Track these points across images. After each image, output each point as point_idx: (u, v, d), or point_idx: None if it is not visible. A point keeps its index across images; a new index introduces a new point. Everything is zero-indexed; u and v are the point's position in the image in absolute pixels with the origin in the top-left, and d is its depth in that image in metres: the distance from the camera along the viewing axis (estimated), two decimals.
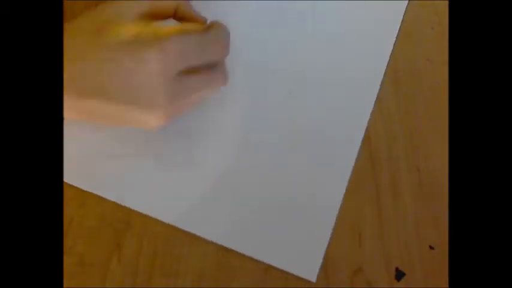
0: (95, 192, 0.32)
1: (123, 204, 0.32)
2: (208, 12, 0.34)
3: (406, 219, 0.33)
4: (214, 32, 0.31)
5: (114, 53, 0.27)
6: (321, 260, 0.31)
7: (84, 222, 0.32)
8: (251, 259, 0.31)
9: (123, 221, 0.32)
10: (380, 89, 0.38)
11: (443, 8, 0.43)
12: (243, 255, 0.31)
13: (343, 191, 0.33)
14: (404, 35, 0.41)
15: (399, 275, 0.31)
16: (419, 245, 0.32)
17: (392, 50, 0.40)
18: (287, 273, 0.31)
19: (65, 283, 0.29)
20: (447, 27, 0.41)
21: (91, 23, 0.29)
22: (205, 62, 0.30)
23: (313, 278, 0.31)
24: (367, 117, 0.37)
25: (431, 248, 0.32)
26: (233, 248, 0.31)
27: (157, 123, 0.30)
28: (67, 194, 0.32)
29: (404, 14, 0.42)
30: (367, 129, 0.36)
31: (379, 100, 0.38)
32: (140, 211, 0.32)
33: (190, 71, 0.30)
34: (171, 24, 0.32)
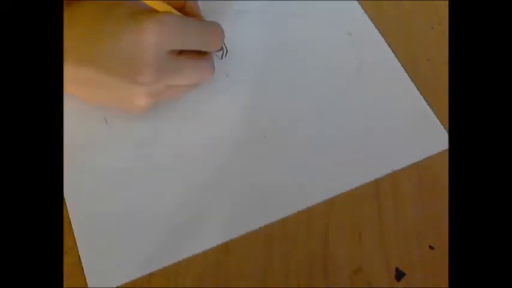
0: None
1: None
2: None
3: (406, 219, 0.33)
4: (210, 23, 0.33)
5: (117, 25, 0.29)
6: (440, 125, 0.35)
7: None
8: (251, 259, 0.31)
9: None
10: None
11: (443, 8, 0.43)
12: (243, 255, 0.31)
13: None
14: (405, 35, 0.41)
15: (399, 275, 0.31)
16: (419, 245, 0.32)
17: (392, 50, 0.40)
18: (287, 272, 0.31)
19: (65, 283, 0.29)
20: (447, 27, 0.41)
21: (98, 4, 0.31)
22: (197, 49, 0.32)
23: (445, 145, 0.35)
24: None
25: (431, 248, 0.32)
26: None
27: (142, 100, 0.31)
28: None
29: (405, 14, 0.42)
30: None
31: None
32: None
33: (182, 54, 0.32)
34: None
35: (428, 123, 0.36)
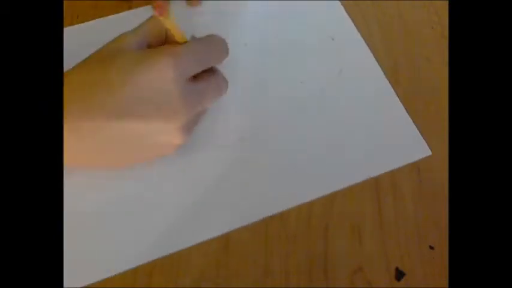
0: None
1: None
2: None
3: (406, 219, 0.33)
4: (213, 38, 0.32)
5: (127, 74, 0.28)
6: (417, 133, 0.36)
7: None
8: (251, 259, 0.31)
9: None
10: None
11: (443, 8, 0.43)
12: (243, 255, 0.31)
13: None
14: (405, 35, 0.41)
15: (399, 275, 0.31)
16: (419, 245, 0.32)
17: (392, 50, 0.40)
18: (287, 272, 0.31)
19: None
20: (447, 27, 0.41)
21: (96, 59, 0.30)
22: (210, 66, 0.32)
23: (428, 152, 0.35)
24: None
25: (431, 248, 0.32)
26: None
27: (179, 138, 0.30)
28: None
29: (404, 13, 0.42)
30: None
31: None
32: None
33: (197, 78, 0.31)
34: None
35: (407, 132, 0.36)
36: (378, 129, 0.36)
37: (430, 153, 0.35)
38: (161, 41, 0.32)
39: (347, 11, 0.42)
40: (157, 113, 0.28)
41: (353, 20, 0.42)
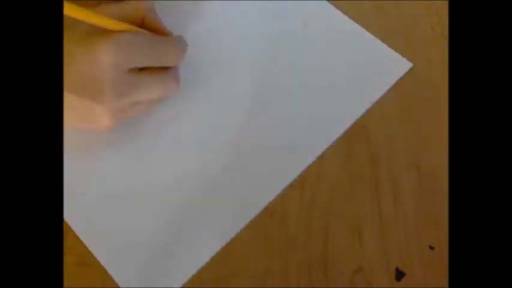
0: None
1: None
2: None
3: (406, 219, 0.33)
4: (170, 38, 0.33)
5: (71, 46, 0.28)
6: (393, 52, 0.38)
7: None
8: (251, 259, 0.31)
9: None
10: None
11: (443, 8, 0.43)
12: (243, 255, 0.31)
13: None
14: (405, 35, 0.41)
15: (399, 275, 0.31)
16: (419, 245, 0.32)
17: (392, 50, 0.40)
18: (287, 272, 0.31)
19: (65, 283, 0.29)
20: (447, 27, 0.41)
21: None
22: (156, 65, 0.32)
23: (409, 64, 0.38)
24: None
25: (431, 248, 0.32)
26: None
27: (105, 120, 0.30)
28: None
29: (405, 14, 0.42)
30: (367, 129, 0.36)
31: (379, 100, 0.38)
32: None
33: (142, 71, 0.31)
34: None
35: (382, 54, 0.40)
36: (354, 64, 0.39)
37: (411, 65, 0.39)
38: (135, 24, 0.32)
39: (347, 11, 0.42)
40: (86, 90, 0.29)
41: (353, 20, 0.42)
